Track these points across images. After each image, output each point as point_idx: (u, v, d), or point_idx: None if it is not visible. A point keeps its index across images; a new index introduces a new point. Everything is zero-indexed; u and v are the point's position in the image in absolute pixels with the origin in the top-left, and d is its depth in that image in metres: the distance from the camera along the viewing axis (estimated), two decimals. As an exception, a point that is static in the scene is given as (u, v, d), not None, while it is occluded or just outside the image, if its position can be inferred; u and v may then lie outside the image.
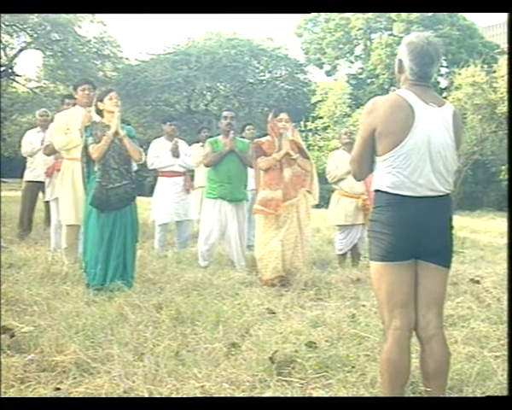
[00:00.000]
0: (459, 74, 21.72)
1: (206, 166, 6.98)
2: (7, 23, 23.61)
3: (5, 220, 8.86)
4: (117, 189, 5.38)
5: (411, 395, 3.06)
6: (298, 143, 6.24)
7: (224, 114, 7.24)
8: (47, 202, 7.95)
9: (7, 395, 2.95)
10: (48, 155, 7.42)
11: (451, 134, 2.80)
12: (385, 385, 2.82)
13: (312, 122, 24.62)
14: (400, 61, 2.85)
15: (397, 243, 2.74)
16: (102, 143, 5.36)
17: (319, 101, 25.33)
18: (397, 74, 2.91)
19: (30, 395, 2.96)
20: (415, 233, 2.74)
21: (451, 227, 2.87)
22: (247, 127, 8.71)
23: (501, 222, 14.38)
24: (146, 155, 7.12)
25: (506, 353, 3.72)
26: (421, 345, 2.86)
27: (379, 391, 3.05)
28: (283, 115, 6.12)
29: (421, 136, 2.72)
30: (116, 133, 5.40)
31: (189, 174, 8.49)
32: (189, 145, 8.63)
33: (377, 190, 2.83)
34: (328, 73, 30.72)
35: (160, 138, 8.36)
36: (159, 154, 8.06)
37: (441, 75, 27.10)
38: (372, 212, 2.89)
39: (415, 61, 2.79)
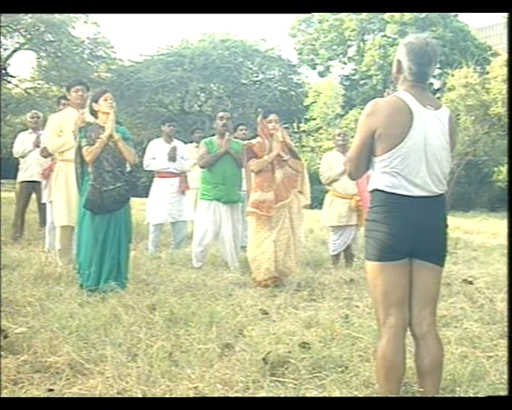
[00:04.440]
0: (452, 76, 21.82)
1: (202, 167, 6.94)
2: (0, 24, 23.52)
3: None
4: (111, 191, 5.34)
5: (404, 396, 3.07)
6: (288, 143, 6.23)
7: (220, 114, 7.21)
8: (43, 204, 7.90)
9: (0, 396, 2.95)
10: (45, 157, 7.39)
11: (447, 137, 2.86)
12: (381, 382, 2.86)
13: (305, 123, 24.65)
14: (399, 61, 2.88)
15: (393, 243, 2.78)
16: (96, 146, 5.31)
17: (312, 102, 25.35)
18: (395, 75, 2.94)
19: (23, 396, 2.95)
20: (410, 232, 2.78)
21: (446, 226, 2.93)
22: (240, 127, 8.56)
23: (493, 223, 14.44)
24: (139, 155, 7.09)
25: (499, 353, 3.75)
26: (416, 342, 2.90)
27: (372, 391, 3.07)
28: (273, 117, 6.11)
29: (418, 138, 2.77)
30: (110, 136, 5.36)
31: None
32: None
33: (374, 190, 2.86)
34: (322, 74, 30.74)
35: (158, 139, 8.33)
36: (155, 155, 8.04)
37: (434, 76, 27.16)
38: (369, 211, 2.92)
39: (414, 61, 2.83)
